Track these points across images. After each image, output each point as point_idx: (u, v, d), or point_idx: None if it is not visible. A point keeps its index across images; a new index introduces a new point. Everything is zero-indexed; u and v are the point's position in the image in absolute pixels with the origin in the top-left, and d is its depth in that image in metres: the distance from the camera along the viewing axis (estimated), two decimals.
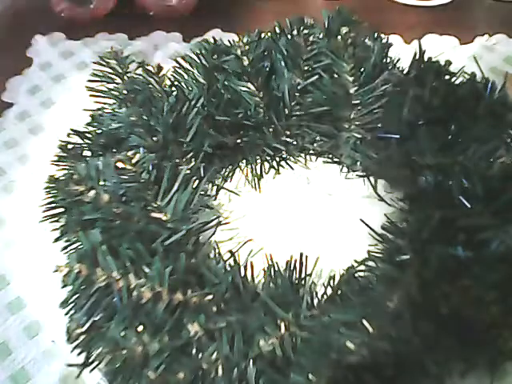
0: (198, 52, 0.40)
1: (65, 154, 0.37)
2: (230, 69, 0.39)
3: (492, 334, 0.28)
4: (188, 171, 0.36)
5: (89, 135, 0.38)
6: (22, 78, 0.51)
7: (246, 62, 0.39)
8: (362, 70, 0.36)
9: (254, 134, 0.39)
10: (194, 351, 0.28)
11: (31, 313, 0.35)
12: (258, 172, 0.40)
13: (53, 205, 0.35)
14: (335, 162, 0.40)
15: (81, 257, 0.30)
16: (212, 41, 0.40)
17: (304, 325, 0.28)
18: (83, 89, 0.39)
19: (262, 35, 0.40)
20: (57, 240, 0.34)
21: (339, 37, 0.36)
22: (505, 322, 0.27)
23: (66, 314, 0.30)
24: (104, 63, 0.40)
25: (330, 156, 0.40)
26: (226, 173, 0.40)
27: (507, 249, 0.28)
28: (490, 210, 0.29)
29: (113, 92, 0.39)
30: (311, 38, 0.38)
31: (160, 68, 0.41)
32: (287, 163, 0.41)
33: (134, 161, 0.35)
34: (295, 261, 0.31)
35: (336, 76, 0.37)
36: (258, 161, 0.40)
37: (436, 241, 0.29)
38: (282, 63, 0.39)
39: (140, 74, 0.40)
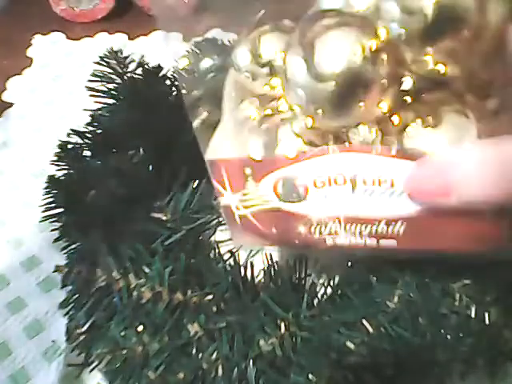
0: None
1: (65, 154, 0.37)
2: None
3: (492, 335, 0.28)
4: None
5: (89, 135, 0.38)
6: (21, 78, 0.51)
7: None
8: None
9: None
10: (194, 351, 0.28)
11: (31, 313, 0.35)
12: None
13: (53, 205, 0.35)
14: None
15: (81, 257, 0.30)
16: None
17: (304, 325, 0.28)
18: (83, 89, 0.39)
19: None
20: (57, 240, 0.34)
21: None
22: (505, 322, 0.27)
23: (66, 314, 0.30)
24: (104, 63, 0.40)
25: None
26: None
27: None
28: None
29: (113, 92, 0.39)
30: None
31: (160, 68, 0.41)
32: None
33: (134, 161, 0.35)
34: (295, 261, 0.31)
35: None
36: None
37: None
38: None
39: (140, 74, 0.40)
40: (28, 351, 0.33)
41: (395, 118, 0.22)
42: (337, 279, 0.31)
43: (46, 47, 0.53)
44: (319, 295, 0.31)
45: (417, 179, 0.21)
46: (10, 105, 0.48)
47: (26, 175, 0.42)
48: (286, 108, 0.25)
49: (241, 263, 0.32)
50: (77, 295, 0.29)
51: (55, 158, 0.37)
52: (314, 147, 0.23)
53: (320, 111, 0.22)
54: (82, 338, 0.29)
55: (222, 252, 0.33)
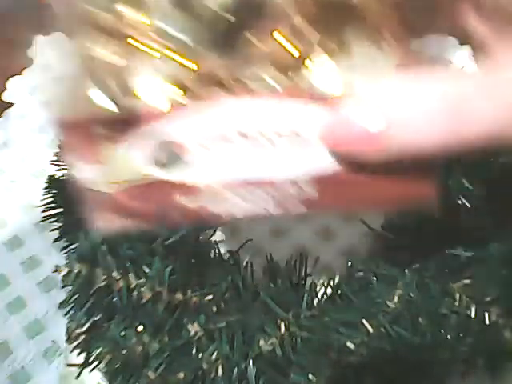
0: None
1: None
2: None
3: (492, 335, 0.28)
4: None
5: None
6: (22, 78, 0.51)
7: None
8: None
9: None
10: (194, 351, 0.28)
11: (31, 313, 0.35)
12: None
13: (53, 205, 0.35)
14: None
15: (81, 257, 0.30)
16: None
17: (304, 325, 0.28)
18: None
19: None
20: (57, 240, 0.34)
21: None
22: (505, 322, 0.27)
23: (66, 314, 0.30)
24: None
25: None
26: None
27: (507, 249, 0.28)
28: (490, 209, 0.29)
29: None
30: None
31: None
32: None
33: None
34: (295, 261, 0.31)
35: None
36: None
37: (436, 240, 0.29)
38: None
39: None
40: (28, 351, 0.33)
41: (294, 52, 0.17)
42: (337, 279, 0.31)
43: (46, 47, 0.53)
44: (319, 295, 0.31)
45: (334, 127, 0.17)
46: (10, 105, 0.48)
47: (26, 175, 0.42)
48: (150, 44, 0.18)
49: (241, 263, 0.32)
50: (77, 295, 0.29)
51: (55, 158, 0.37)
52: (193, 96, 0.18)
53: (198, 47, 0.17)
54: (82, 338, 0.29)
55: (222, 252, 0.33)
